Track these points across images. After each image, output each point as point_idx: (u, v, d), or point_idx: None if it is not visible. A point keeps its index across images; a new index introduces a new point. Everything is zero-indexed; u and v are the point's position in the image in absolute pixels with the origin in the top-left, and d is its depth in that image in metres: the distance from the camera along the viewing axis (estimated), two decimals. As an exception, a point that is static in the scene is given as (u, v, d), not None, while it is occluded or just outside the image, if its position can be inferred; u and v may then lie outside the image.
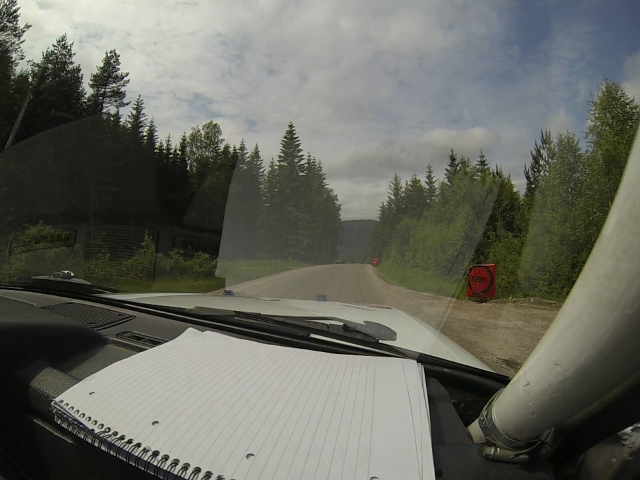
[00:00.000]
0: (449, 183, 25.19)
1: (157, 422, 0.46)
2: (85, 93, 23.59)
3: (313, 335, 0.86)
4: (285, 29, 54.08)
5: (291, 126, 37.64)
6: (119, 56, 24.74)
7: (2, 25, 19.05)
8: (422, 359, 0.72)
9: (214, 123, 30.33)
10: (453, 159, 26.38)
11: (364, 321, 0.99)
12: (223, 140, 30.18)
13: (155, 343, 0.81)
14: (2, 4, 18.91)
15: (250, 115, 58.77)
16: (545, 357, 0.34)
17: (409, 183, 33.99)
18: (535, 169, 20.41)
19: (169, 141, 28.34)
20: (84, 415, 0.49)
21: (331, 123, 63.34)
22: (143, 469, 0.41)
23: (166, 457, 0.41)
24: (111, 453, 0.44)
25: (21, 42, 19.79)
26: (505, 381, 0.64)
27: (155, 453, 0.41)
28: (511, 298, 11.53)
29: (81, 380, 0.58)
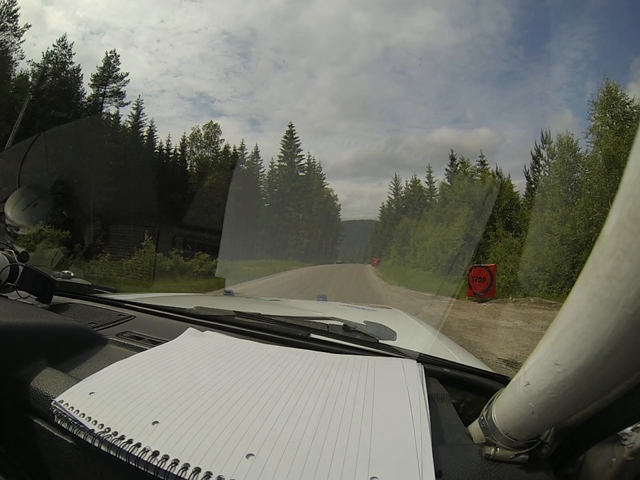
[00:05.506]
0: (449, 183, 25.20)
1: (157, 422, 0.46)
2: (85, 93, 23.67)
3: (313, 335, 0.86)
4: (293, 25, 53.15)
5: (290, 126, 37.62)
6: (119, 56, 24.87)
7: (2, 24, 19.06)
8: (422, 359, 0.72)
9: (214, 122, 30.44)
10: (452, 159, 26.41)
11: (364, 321, 0.99)
12: (223, 140, 30.28)
13: (155, 343, 0.81)
14: (2, 4, 18.93)
15: (253, 114, 57.61)
16: (545, 357, 0.33)
17: (408, 182, 33.96)
18: (535, 169, 20.45)
19: (169, 140, 28.43)
20: (84, 415, 0.49)
21: (337, 121, 62.41)
22: (143, 469, 0.41)
23: (166, 457, 0.40)
24: (111, 453, 0.44)
25: (21, 42, 19.85)
26: (505, 381, 0.63)
27: (155, 453, 0.41)
28: (511, 298, 11.54)
29: (80, 380, 0.58)
